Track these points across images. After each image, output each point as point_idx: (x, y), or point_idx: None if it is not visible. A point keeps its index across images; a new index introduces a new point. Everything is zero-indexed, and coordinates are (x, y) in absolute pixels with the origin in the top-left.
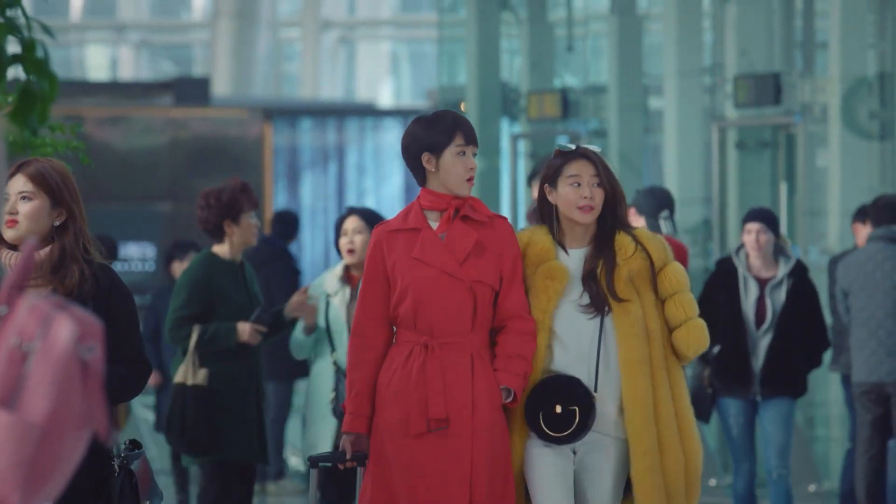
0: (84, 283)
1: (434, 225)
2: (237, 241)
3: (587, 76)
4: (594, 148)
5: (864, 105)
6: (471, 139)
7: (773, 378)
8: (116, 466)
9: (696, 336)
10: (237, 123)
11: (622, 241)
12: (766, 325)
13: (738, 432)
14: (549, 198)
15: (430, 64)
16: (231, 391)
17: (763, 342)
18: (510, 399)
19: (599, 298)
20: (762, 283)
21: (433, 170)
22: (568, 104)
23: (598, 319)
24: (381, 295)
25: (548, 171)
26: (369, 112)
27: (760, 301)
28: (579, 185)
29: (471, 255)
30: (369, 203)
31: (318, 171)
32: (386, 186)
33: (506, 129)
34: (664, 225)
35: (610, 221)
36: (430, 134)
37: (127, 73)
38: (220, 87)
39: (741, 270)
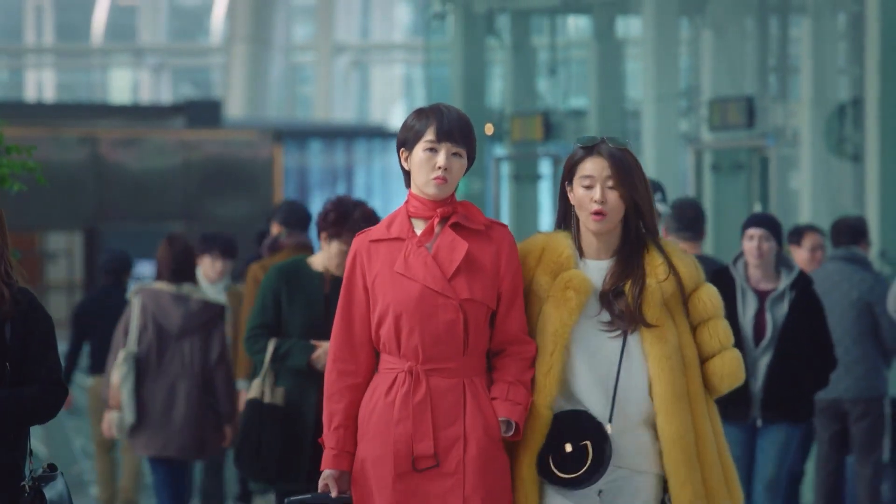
0: (3, 304)
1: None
2: (323, 258)
3: (568, 100)
4: (621, 143)
5: (838, 129)
6: (445, 135)
7: (773, 401)
8: (27, 487)
9: (731, 368)
10: (248, 145)
11: (653, 261)
12: (765, 342)
13: (735, 460)
14: (570, 197)
15: (443, 86)
16: (299, 415)
17: (762, 361)
18: (511, 432)
19: (623, 316)
20: (762, 295)
21: (408, 168)
22: (550, 127)
23: (620, 340)
24: (360, 314)
25: (566, 166)
26: (377, 133)
27: (760, 315)
28: (591, 186)
29: (461, 270)
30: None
31: (327, 191)
32: (394, 206)
33: (488, 151)
34: (660, 206)
35: (635, 231)
36: (406, 127)
37: (147, 95)
38: (236, 109)
39: (739, 282)
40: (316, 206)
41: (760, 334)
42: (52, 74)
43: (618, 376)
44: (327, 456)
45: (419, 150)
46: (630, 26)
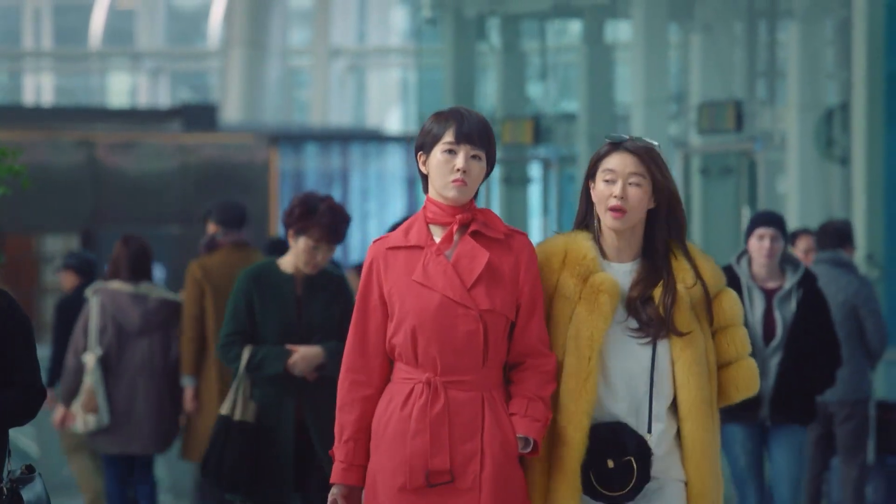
0: None
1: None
2: (292, 258)
3: (559, 104)
4: (650, 143)
5: (826, 132)
6: (464, 137)
7: (784, 402)
8: (4, 489)
9: (746, 378)
10: (244, 148)
11: (680, 265)
12: (775, 342)
13: (746, 462)
14: (592, 195)
15: (435, 91)
16: (276, 425)
17: (772, 361)
18: (529, 449)
19: (652, 323)
20: (768, 294)
21: (426, 172)
22: (540, 131)
23: (650, 347)
24: (376, 323)
25: (591, 161)
26: (373, 137)
27: (768, 314)
28: (613, 181)
29: (481, 280)
30: (372, 226)
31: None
32: (389, 210)
33: None
34: None
35: (661, 234)
36: (425, 131)
37: (145, 99)
38: (233, 113)
39: (745, 280)
40: None
41: (770, 334)
42: (51, 78)
43: (651, 385)
44: (336, 469)
45: (437, 153)
46: (620, 31)
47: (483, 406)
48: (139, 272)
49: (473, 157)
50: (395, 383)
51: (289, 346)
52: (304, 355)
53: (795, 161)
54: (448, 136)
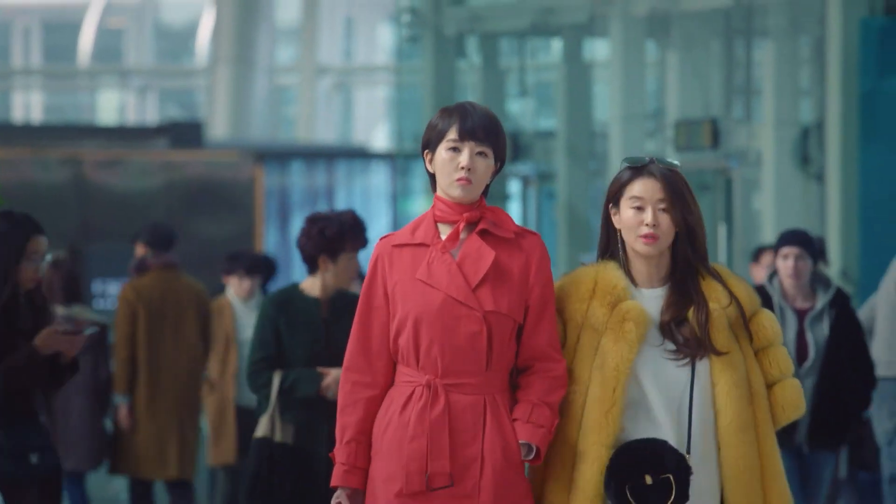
0: None
1: None
2: (329, 281)
3: (537, 121)
4: (671, 163)
5: (802, 149)
6: (468, 134)
7: (820, 427)
8: None
9: (793, 398)
10: (230, 166)
11: (710, 286)
12: (808, 363)
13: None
14: (614, 220)
15: (420, 109)
16: (311, 448)
17: (807, 383)
18: (532, 456)
19: (690, 344)
20: (800, 314)
21: (432, 171)
22: (519, 147)
23: (688, 368)
24: (379, 322)
25: (612, 187)
26: (358, 154)
27: (800, 336)
28: (641, 208)
29: (487, 279)
30: None
31: (308, 211)
32: (373, 227)
33: None
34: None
35: (686, 256)
36: (430, 128)
37: (133, 117)
38: (220, 130)
39: (776, 300)
40: (297, 227)
41: (803, 355)
42: (40, 96)
43: (691, 406)
44: (338, 472)
45: (442, 151)
46: (598, 49)
47: (485, 410)
48: (71, 294)
49: (479, 153)
50: (396, 387)
51: (320, 369)
52: (336, 377)
53: (771, 178)
54: (452, 133)
